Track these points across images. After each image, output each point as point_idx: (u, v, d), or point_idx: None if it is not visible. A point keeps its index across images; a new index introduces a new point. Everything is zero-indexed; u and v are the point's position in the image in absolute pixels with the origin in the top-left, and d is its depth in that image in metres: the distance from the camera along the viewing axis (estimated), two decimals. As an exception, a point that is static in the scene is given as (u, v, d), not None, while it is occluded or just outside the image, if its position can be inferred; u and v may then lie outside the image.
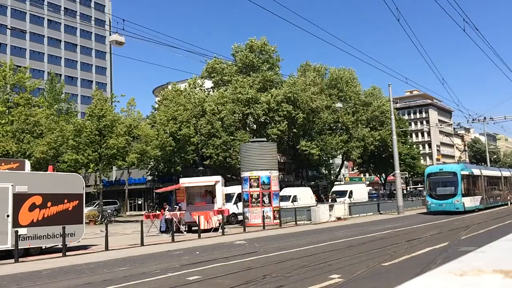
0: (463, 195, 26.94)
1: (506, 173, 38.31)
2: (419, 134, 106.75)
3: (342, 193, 39.65)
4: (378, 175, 67.40)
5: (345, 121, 51.40)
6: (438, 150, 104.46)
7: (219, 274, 9.41)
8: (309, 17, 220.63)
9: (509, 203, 36.13)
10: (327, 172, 56.75)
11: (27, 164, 17.34)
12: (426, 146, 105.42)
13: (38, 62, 68.25)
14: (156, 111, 46.32)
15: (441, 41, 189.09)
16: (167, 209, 21.71)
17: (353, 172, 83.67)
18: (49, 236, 14.51)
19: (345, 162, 60.71)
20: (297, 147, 45.62)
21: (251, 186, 23.89)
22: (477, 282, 1.04)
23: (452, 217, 24.21)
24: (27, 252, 14.19)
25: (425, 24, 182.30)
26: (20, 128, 35.04)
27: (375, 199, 45.11)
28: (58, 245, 14.70)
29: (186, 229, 21.61)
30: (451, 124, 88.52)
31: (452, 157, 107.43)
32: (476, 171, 30.48)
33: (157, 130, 40.29)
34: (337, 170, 59.75)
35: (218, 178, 23.60)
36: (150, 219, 21.17)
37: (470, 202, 27.67)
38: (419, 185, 71.76)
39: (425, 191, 29.69)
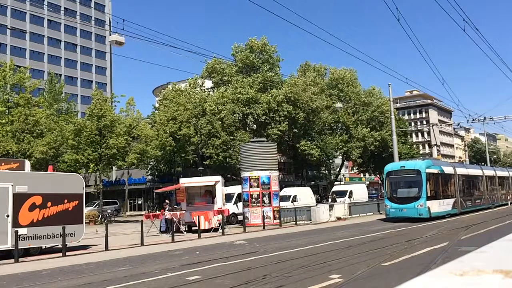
0: (429, 198, 22.65)
1: (488, 171, 34.12)
2: (419, 134, 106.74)
3: (342, 193, 39.60)
4: (378, 175, 67.37)
5: (345, 121, 51.42)
6: (438, 150, 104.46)
7: (219, 274, 9.41)
8: (309, 17, 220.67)
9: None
10: (327, 172, 56.76)
11: (27, 164, 17.36)
12: (426, 146, 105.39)
13: (38, 62, 68.25)
14: (157, 111, 46.35)
15: (441, 41, 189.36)
16: (167, 209, 21.70)
17: (353, 172, 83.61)
18: (49, 236, 14.51)
19: (345, 162, 60.71)
20: (298, 145, 45.63)
21: (251, 186, 23.89)
22: (477, 282, 1.04)
23: (451, 218, 24.17)
24: (27, 252, 14.18)
25: (425, 24, 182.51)
26: (20, 128, 35.04)
27: (375, 199, 45.09)
28: (58, 245, 14.70)
29: (186, 229, 21.61)
30: (451, 124, 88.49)
31: (452, 157, 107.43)
32: (448, 169, 26.12)
33: (157, 130, 40.30)
34: (337, 170, 59.75)
35: (218, 178, 23.61)
36: (150, 219, 21.17)
37: (438, 206, 23.40)
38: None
39: (384, 193, 25.12)
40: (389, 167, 24.91)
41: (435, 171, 24.06)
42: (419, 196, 22.61)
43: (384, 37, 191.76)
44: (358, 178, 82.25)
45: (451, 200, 25.34)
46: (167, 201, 23.43)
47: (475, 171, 31.86)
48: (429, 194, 22.82)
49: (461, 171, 28.35)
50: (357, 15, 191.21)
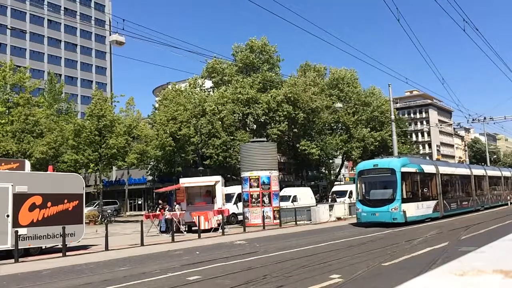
0: (404, 201, 20.26)
1: (478, 171, 31.80)
2: (419, 134, 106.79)
3: (342, 193, 39.55)
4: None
5: (345, 121, 51.42)
6: (438, 150, 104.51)
7: (219, 274, 9.41)
8: (309, 17, 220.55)
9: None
10: (327, 172, 56.77)
11: (27, 164, 17.36)
12: (426, 146, 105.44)
13: (38, 62, 68.22)
14: (157, 111, 46.37)
15: (441, 41, 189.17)
16: (167, 209, 21.71)
17: (353, 172, 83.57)
18: (49, 236, 14.51)
19: (345, 162, 60.72)
20: (298, 145, 45.61)
21: (251, 186, 23.88)
22: (477, 282, 1.04)
23: (451, 219, 24.15)
24: (27, 252, 14.18)
25: (425, 24, 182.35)
26: (20, 128, 35.05)
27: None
28: (58, 245, 14.70)
29: (186, 229, 21.60)
30: (451, 124, 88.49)
31: (452, 157, 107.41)
32: (428, 168, 23.56)
33: (157, 130, 40.32)
34: (337, 170, 59.75)
35: (218, 178, 23.61)
36: (150, 219, 21.18)
37: (415, 210, 20.93)
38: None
39: (356, 195, 22.84)
40: (361, 166, 22.60)
41: (412, 170, 21.72)
42: (393, 198, 20.22)
43: (384, 37, 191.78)
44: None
45: (432, 203, 22.85)
46: (160, 201, 23.41)
47: (461, 170, 29.66)
48: (405, 196, 20.54)
49: (444, 170, 25.80)
50: (357, 15, 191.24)
